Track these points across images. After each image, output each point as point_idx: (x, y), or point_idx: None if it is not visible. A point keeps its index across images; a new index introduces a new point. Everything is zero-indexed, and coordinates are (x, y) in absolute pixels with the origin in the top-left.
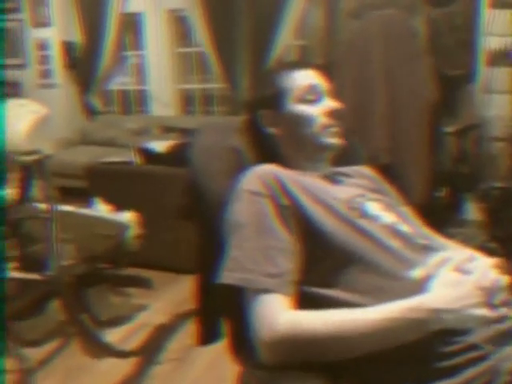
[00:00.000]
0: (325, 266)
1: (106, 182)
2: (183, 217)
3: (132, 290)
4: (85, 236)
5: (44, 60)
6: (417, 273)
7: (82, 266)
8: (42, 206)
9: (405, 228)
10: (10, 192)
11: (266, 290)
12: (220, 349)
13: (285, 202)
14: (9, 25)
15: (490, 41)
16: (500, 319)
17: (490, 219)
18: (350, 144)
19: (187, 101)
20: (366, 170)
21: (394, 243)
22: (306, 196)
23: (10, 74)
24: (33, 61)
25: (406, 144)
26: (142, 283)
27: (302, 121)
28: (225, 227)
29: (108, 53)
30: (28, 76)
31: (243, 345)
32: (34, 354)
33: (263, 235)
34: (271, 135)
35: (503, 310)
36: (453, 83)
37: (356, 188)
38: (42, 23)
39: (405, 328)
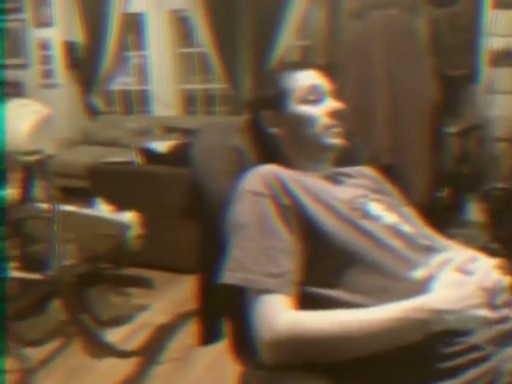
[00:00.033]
0: (326, 266)
1: (108, 182)
2: (185, 217)
3: (133, 290)
4: (86, 236)
5: (46, 60)
6: (419, 273)
7: (83, 265)
8: (44, 205)
9: (407, 228)
10: (12, 192)
11: (268, 290)
12: (221, 349)
13: (286, 202)
14: (11, 25)
15: (493, 41)
16: (502, 320)
17: (491, 220)
18: (351, 144)
19: (189, 101)
20: (367, 170)
21: (396, 243)
22: (307, 196)
23: (12, 74)
24: (35, 61)
25: (407, 144)
26: (143, 283)
27: (304, 121)
28: (226, 227)
29: (110, 53)
30: (30, 76)
31: (244, 345)
32: (35, 353)
33: (265, 235)
34: (273, 135)
35: (505, 311)
36: (455, 83)
37: (358, 188)
38: (44, 23)
39: (407, 328)
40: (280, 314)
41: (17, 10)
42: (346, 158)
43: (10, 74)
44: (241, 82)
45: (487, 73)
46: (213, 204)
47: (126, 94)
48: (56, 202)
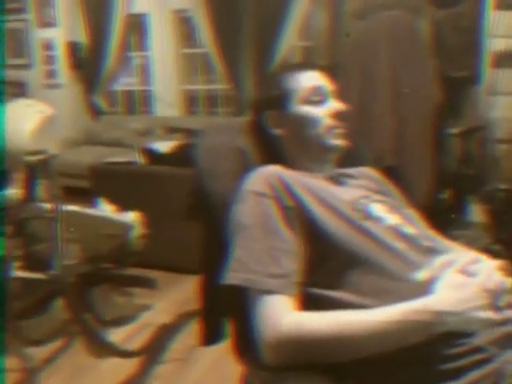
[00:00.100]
0: (329, 267)
1: (111, 182)
2: (188, 217)
3: (135, 290)
4: (89, 236)
5: (49, 60)
6: (421, 275)
7: (86, 265)
8: (47, 205)
9: (409, 230)
10: (16, 192)
11: (270, 291)
12: (223, 349)
13: (289, 203)
14: (14, 25)
15: (495, 42)
16: (505, 321)
17: (494, 221)
18: (354, 145)
19: (191, 101)
20: (370, 171)
21: (399, 245)
22: (310, 197)
23: (16, 74)
24: (38, 61)
25: (410, 145)
26: (146, 283)
27: (306, 122)
28: (229, 228)
29: (113, 53)
30: (33, 76)
31: (247, 345)
32: (38, 353)
33: (267, 236)
34: (276, 136)
35: (508, 313)
36: (457, 85)
37: (360, 189)
38: (48, 23)
39: (409, 330)
40: (282, 315)
41: (20, 11)
42: (349, 158)
43: (14, 74)
44: (243, 82)
45: (489, 74)
46: (216, 204)
47: (128, 95)
48: (59, 202)
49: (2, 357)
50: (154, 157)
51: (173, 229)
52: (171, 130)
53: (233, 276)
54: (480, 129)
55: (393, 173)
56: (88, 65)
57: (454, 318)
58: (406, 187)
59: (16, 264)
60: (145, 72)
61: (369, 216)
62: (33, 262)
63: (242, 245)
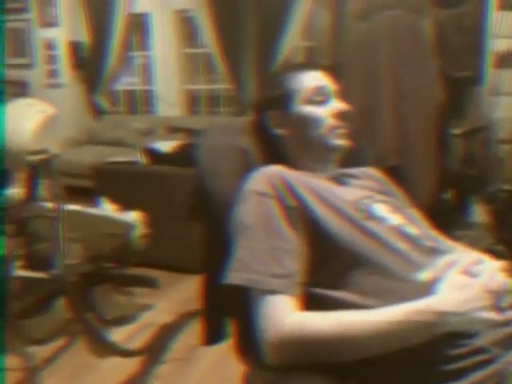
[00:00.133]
0: (331, 267)
1: (112, 182)
2: (190, 217)
3: (137, 290)
4: (91, 235)
5: (51, 60)
6: (424, 275)
7: (87, 264)
8: (49, 205)
9: (412, 230)
10: (17, 191)
11: (273, 291)
12: (225, 349)
13: (291, 203)
14: (16, 25)
15: (498, 43)
16: (507, 322)
17: (496, 222)
18: (357, 145)
19: (193, 101)
20: (373, 171)
21: (401, 245)
22: (312, 197)
23: (18, 74)
24: (40, 60)
25: (412, 145)
26: (148, 283)
27: (309, 122)
28: (231, 227)
29: (115, 53)
30: (35, 76)
31: (249, 345)
32: (40, 352)
33: (270, 236)
34: (278, 136)
35: (510, 313)
36: (460, 85)
37: (363, 190)
38: (50, 23)
39: (412, 330)
40: (285, 315)
41: (22, 10)
42: (351, 158)
43: (16, 74)
44: (245, 82)
45: (492, 74)
46: (218, 204)
47: (130, 94)
48: (61, 202)
49: (1, 356)
50: (155, 156)
51: (174, 228)
52: (173, 130)
53: (235, 276)
54: (483, 129)
55: (395, 173)
56: (90, 64)
57: (456, 318)
58: (409, 187)
59: (18, 263)
60: (147, 72)
61: (371, 216)
62: (35, 262)
63: (245, 245)
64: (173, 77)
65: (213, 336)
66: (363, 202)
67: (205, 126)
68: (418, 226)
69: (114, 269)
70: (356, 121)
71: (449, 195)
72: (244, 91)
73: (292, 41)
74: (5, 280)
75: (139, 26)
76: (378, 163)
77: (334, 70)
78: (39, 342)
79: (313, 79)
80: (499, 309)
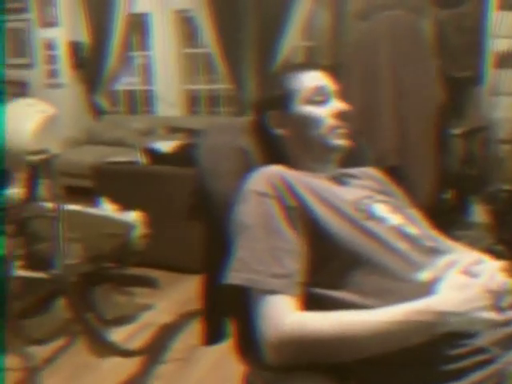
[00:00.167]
0: (331, 267)
1: (112, 182)
2: (190, 217)
3: (137, 290)
4: (91, 235)
5: (51, 60)
6: (424, 275)
7: (87, 264)
8: (49, 205)
9: (412, 230)
10: (17, 191)
11: (273, 291)
12: (225, 349)
13: (291, 203)
14: (16, 25)
15: (498, 43)
16: (507, 322)
17: (496, 222)
18: (357, 145)
19: (193, 101)
20: (373, 171)
21: (401, 245)
22: (312, 197)
23: (18, 74)
24: (40, 60)
25: (413, 146)
26: (148, 283)
27: (309, 122)
28: (231, 227)
29: (115, 53)
30: (35, 76)
31: (249, 345)
32: (40, 352)
33: (270, 236)
34: (278, 136)
35: (510, 314)
36: (460, 85)
37: (363, 190)
38: (50, 23)
39: (412, 330)
40: (285, 315)
41: (22, 10)
42: (352, 158)
43: (16, 74)
44: (245, 82)
45: (492, 74)
46: (218, 204)
47: (130, 94)
48: (61, 202)
49: (1, 356)
50: (155, 156)
51: (174, 228)
52: (173, 130)
53: (235, 276)
54: (483, 129)
55: (395, 173)
56: (90, 64)
57: (456, 318)
58: (409, 187)
59: (18, 263)
60: (146, 72)
61: (372, 216)
62: (35, 262)
63: (245, 245)
64: (173, 77)
65: (213, 336)
66: (363, 202)
67: (205, 126)
68: (418, 226)
69: (113, 269)
70: (356, 121)
71: (449, 195)
72: (244, 91)
73: (292, 41)
74: (4, 280)
75: (139, 25)
76: (377, 163)
77: (333, 70)
78: (39, 341)
79: (313, 79)
80: (499, 309)
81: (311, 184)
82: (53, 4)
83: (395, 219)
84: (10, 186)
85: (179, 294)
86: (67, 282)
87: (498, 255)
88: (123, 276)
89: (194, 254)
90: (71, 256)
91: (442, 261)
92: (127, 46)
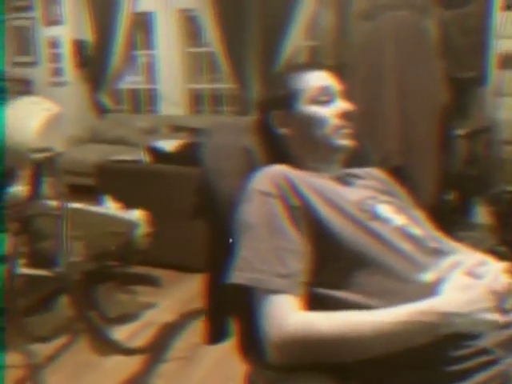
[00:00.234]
0: (335, 267)
1: (116, 181)
2: (193, 216)
3: (140, 288)
4: (94, 233)
5: (55, 58)
6: (428, 276)
7: (90, 263)
8: (53, 203)
9: (416, 231)
10: (21, 189)
11: (276, 291)
12: (227, 348)
13: (295, 202)
14: (21, 23)
15: (502, 43)
16: (511, 324)
17: (499, 223)
18: (361, 146)
19: (197, 100)
20: (376, 171)
21: (405, 246)
22: (316, 197)
23: (22, 72)
24: (44, 59)
25: (416, 146)
26: (151, 281)
27: (313, 122)
28: (235, 227)
29: (119, 52)
30: (39, 74)
31: (252, 344)
32: (42, 349)
33: (273, 236)
34: (282, 136)
35: None
36: (464, 86)
37: (367, 190)
38: (54, 21)
39: (415, 331)
40: (288, 315)
41: (27, 8)
42: (355, 159)
43: (20, 72)
44: (248, 81)
45: (496, 75)
46: (222, 203)
47: (134, 93)
48: (65, 200)
49: (1, 354)
50: (159, 155)
51: (177, 227)
52: (176, 129)
53: (239, 275)
54: (486, 130)
55: (399, 173)
56: (94, 63)
57: (460, 319)
58: (412, 188)
59: (21, 261)
60: (150, 70)
61: (375, 217)
62: (38, 259)
63: (248, 244)
64: (176, 76)
65: (215, 335)
66: (367, 203)
67: (208, 125)
68: (421, 227)
69: (117, 267)
70: (360, 121)
71: (452, 196)
72: (247, 90)
73: (296, 40)
74: (3, 278)
75: (143, 24)
76: (381, 163)
77: (338, 70)
78: (42, 339)
79: (318, 79)
80: (503, 310)
81: (315, 184)
82: (57, 2)
83: (399, 220)
84: (13, 184)
85: (182, 293)
86: (70, 280)
87: (501, 256)
88: (126, 274)
89: (196, 253)
90: (74, 254)
91: (446, 262)
92: (131, 45)
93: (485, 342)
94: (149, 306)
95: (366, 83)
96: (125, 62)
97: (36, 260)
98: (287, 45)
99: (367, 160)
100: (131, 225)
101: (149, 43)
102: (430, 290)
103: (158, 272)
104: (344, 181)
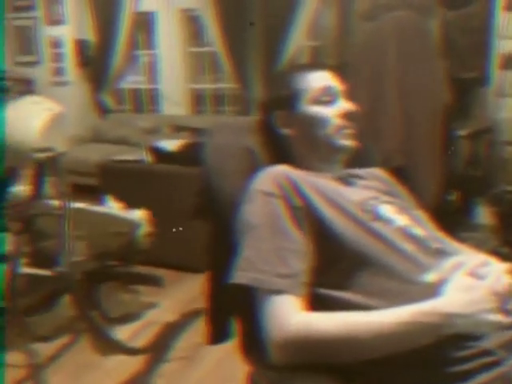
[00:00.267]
0: (337, 267)
1: (118, 180)
2: (195, 216)
3: (142, 288)
4: (96, 233)
5: (57, 58)
6: (430, 277)
7: (92, 262)
8: (55, 202)
9: (418, 231)
10: (24, 188)
11: (278, 291)
12: (228, 348)
13: (297, 202)
14: (23, 22)
15: (505, 44)
16: None
17: (502, 223)
18: (363, 146)
19: (198, 100)
20: (379, 172)
21: (408, 246)
22: (318, 197)
23: (24, 71)
24: (46, 58)
25: (418, 146)
26: (153, 281)
27: (316, 122)
28: (237, 227)
29: (121, 51)
30: (41, 73)
31: (253, 345)
32: (44, 349)
33: (276, 236)
34: (285, 136)
35: None
36: (466, 86)
37: (369, 190)
38: (56, 21)
39: (418, 332)
40: (290, 315)
41: (29, 8)
42: (358, 159)
43: (22, 71)
44: (250, 81)
45: (498, 75)
46: (224, 204)
47: (136, 93)
48: (67, 199)
49: (2, 353)
50: (161, 155)
51: (179, 227)
52: (178, 129)
53: (241, 275)
54: (488, 130)
55: (401, 173)
56: (96, 63)
57: (462, 320)
58: (414, 188)
59: (23, 260)
60: (152, 70)
61: (378, 217)
62: (40, 259)
63: (250, 244)
64: (178, 76)
65: (217, 335)
66: (369, 203)
67: (210, 125)
68: (424, 228)
69: (118, 267)
70: (362, 121)
71: (454, 197)
72: (249, 90)
73: (298, 40)
74: (5, 278)
75: (145, 24)
76: (383, 164)
77: (340, 70)
78: (43, 339)
79: (320, 79)
80: (505, 311)
81: (317, 184)
82: (59, 2)
83: (401, 220)
84: (16, 184)
85: (184, 293)
86: (72, 279)
87: (503, 257)
88: (128, 274)
89: (198, 253)
90: (76, 254)
91: (449, 262)
92: (133, 45)
93: (487, 343)
94: (150, 305)
95: (368, 83)
96: (127, 62)
97: (38, 259)
98: (289, 45)
99: (369, 160)
100: (133, 225)
101: (151, 43)
102: (433, 290)
103: (160, 272)
104: (346, 181)
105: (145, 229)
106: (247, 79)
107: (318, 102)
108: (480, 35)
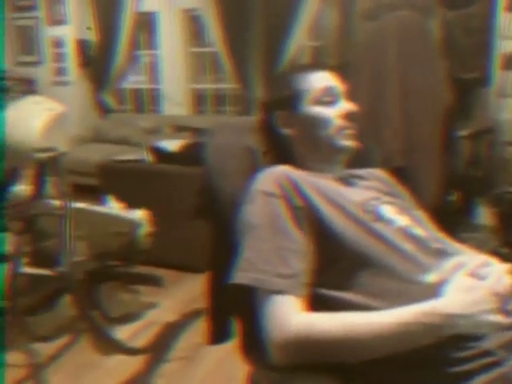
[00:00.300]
0: (338, 268)
1: (119, 180)
2: (196, 216)
3: (142, 288)
4: (97, 233)
5: (59, 58)
6: (431, 277)
7: (93, 262)
8: (56, 202)
9: (419, 232)
10: (25, 188)
11: (279, 291)
12: (229, 348)
13: (298, 203)
14: (25, 22)
15: (506, 44)
16: None
17: (502, 224)
18: (364, 146)
19: (199, 100)
20: (380, 172)
21: (408, 247)
22: (319, 197)
23: (26, 71)
24: (48, 58)
25: (419, 147)
26: (153, 281)
27: (317, 122)
28: (238, 227)
29: (122, 51)
30: (43, 73)
31: (254, 345)
32: (45, 349)
33: (276, 236)
34: (286, 136)
35: None
36: (467, 86)
37: (370, 191)
38: (58, 21)
39: (418, 332)
40: (291, 316)
41: (31, 8)
42: (359, 159)
43: (23, 71)
44: (251, 81)
45: (500, 76)
46: (225, 204)
47: (137, 93)
48: (68, 199)
49: (2, 353)
50: (162, 155)
51: (180, 227)
52: (179, 129)
53: (241, 275)
54: (489, 131)
55: (402, 174)
56: (97, 63)
57: (463, 320)
58: (415, 189)
59: (24, 260)
60: (153, 70)
61: (379, 217)
62: (41, 259)
63: (251, 245)
64: (180, 76)
65: (217, 335)
66: (370, 204)
67: (211, 125)
68: (424, 228)
69: (119, 267)
70: (363, 121)
71: (454, 197)
72: (250, 90)
73: (299, 40)
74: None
75: (147, 24)
76: (384, 164)
77: (341, 70)
78: (44, 339)
79: (322, 80)
80: (506, 312)
81: (318, 184)
82: (61, 2)
83: (402, 221)
84: (17, 183)
85: (184, 293)
86: (73, 279)
87: (503, 258)
88: (128, 274)
89: (199, 253)
90: (77, 253)
91: (449, 263)
92: (134, 45)
93: (487, 344)
94: (151, 305)
95: (369, 83)
96: (128, 62)
97: (39, 259)
98: (290, 44)
99: (370, 161)
100: (134, 224)
101: (152, 43)
102: (433, 291)
103: (161, 272)
104: (347, 181)
105: (145, 229)
106: (248, 79)
107: (319, 102)
108: (481, 35)
